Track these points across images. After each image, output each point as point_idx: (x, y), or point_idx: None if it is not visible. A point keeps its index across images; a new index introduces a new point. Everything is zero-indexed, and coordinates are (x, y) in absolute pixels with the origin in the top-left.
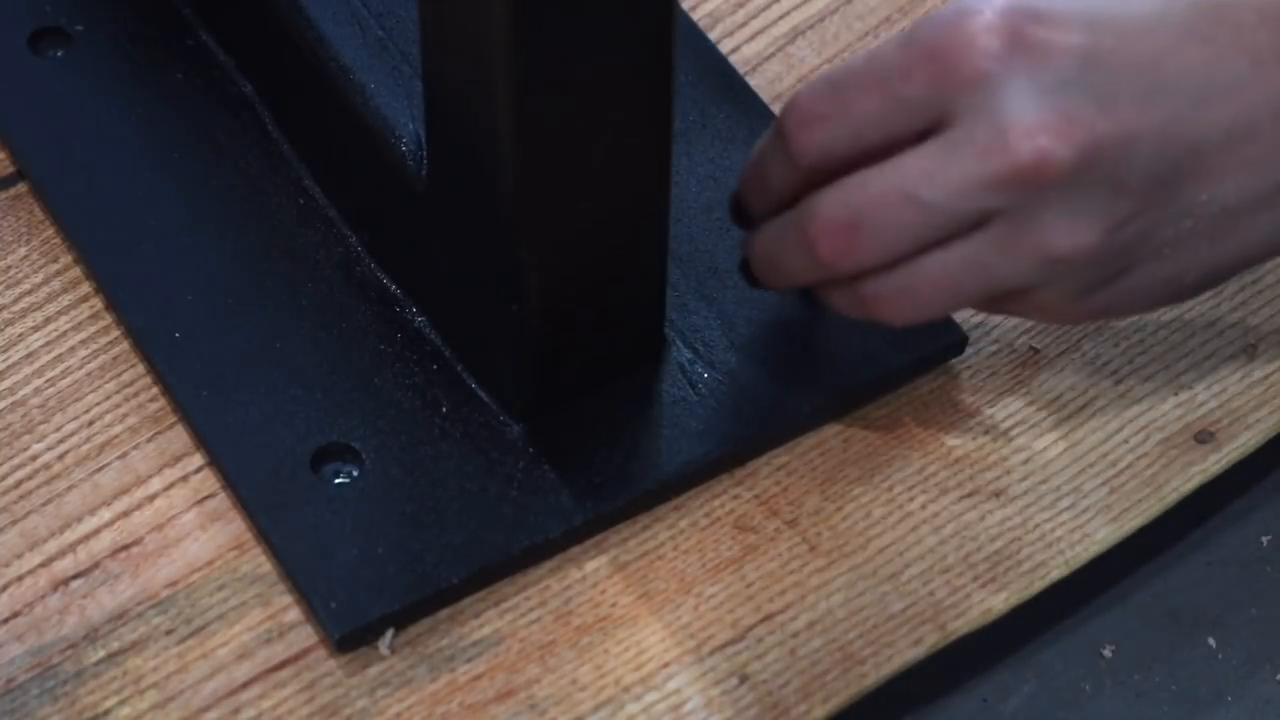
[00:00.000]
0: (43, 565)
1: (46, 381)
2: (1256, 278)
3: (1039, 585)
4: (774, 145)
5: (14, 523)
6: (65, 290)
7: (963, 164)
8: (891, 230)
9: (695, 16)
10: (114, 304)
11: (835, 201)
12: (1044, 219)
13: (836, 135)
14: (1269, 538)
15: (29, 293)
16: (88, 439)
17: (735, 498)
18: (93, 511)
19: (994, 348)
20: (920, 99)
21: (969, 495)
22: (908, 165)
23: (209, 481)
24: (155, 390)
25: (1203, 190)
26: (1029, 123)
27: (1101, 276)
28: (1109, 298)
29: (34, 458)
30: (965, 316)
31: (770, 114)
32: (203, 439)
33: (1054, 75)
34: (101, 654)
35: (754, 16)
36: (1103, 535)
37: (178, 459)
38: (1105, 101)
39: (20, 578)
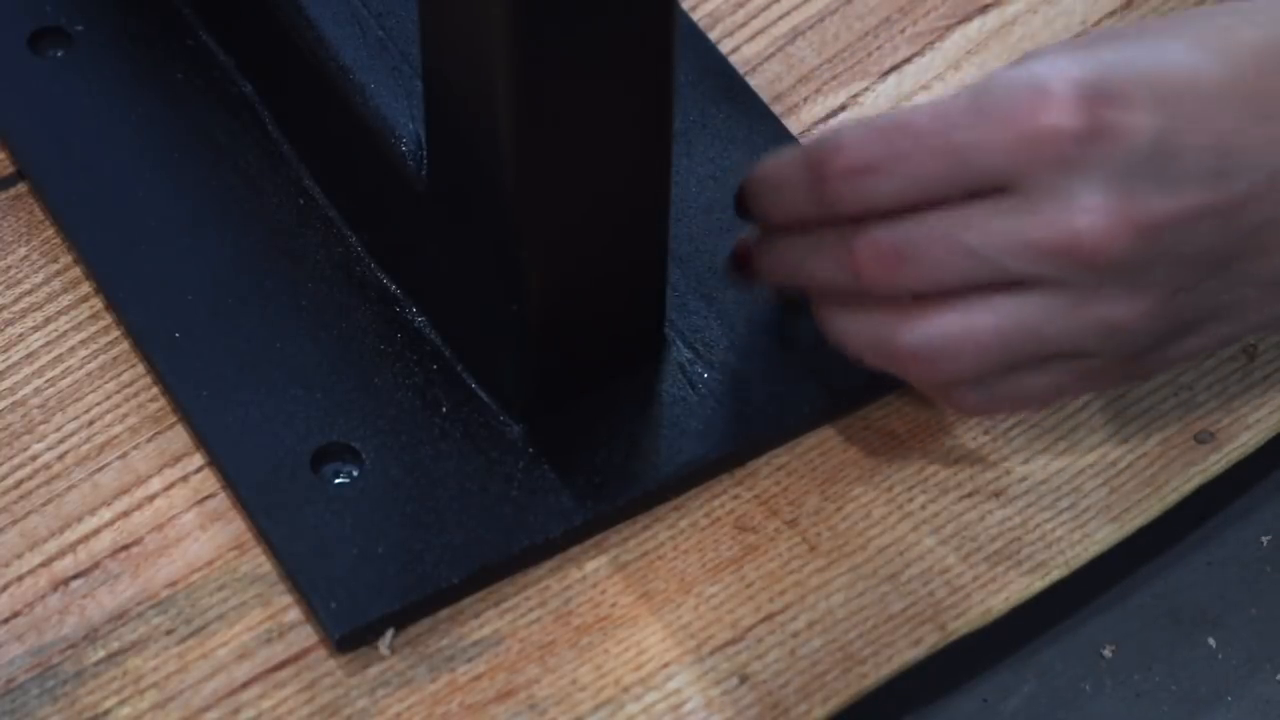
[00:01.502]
0: (43, 565)
1: (46, 381)
2: None
3: (1039, 585)
4: (802, 177)
5: (14, 523)
6: (65, 290)
7: (1021, 229)
8: (938, 268)
9: (695, 16)
10: (114, 304)
11: (886, 227)
12: (1103, 290)
13: (884, 189)
14: (1269, 538)
15: (29, 293)
16: (88, 439)
17: (735, 498)
18: (93, 511)
19: None
20: (988, 166)
21: (969, 495)
22: (964, 216)
23: (209, 481)
24: (155, 390)
25: (1263, 263)
26: (1095, 208)
27: (1157, 341)
28: (1157, 361)
29: (34, 458)
30: None
31: (770, 114)
32: (203, 439)
33: (1125, 160)
34: (101, 654)
35: (754, 16)
36: (1103, 535)
37: (178, 459)
38: (1171, 185)
39: (20, 578)
